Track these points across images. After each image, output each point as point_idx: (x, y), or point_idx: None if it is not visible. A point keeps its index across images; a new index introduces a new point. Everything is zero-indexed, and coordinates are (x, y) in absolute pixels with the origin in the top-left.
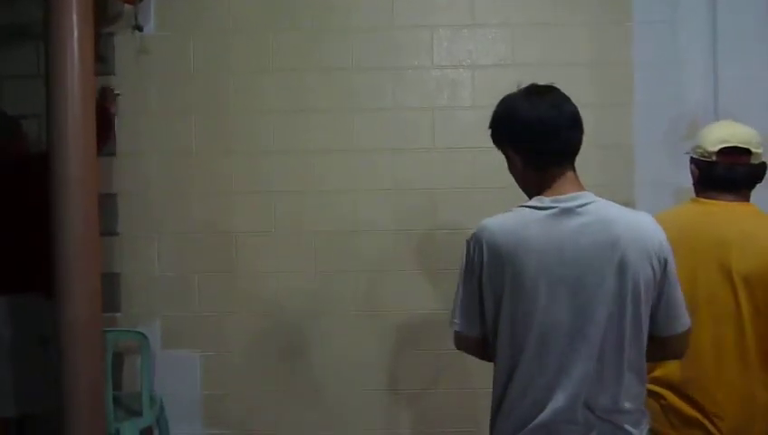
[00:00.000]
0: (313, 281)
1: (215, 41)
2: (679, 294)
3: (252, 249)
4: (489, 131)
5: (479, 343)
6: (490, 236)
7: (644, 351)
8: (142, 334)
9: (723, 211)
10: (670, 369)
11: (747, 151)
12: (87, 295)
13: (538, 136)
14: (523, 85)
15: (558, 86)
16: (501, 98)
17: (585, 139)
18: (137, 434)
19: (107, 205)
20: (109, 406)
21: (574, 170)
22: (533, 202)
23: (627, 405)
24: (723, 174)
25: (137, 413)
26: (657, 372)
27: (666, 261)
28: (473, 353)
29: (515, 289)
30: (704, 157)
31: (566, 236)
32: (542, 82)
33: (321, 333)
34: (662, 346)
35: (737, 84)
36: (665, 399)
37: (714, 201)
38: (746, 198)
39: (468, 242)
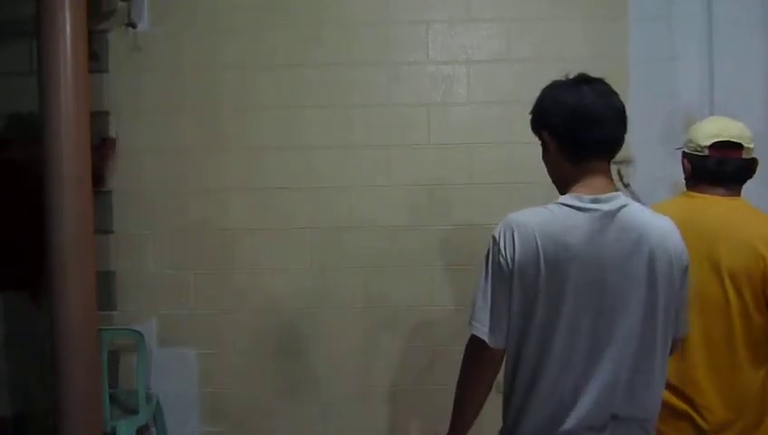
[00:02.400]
0: (309, 277)
1: (209, 37)
2: (687, 299)
3: (248, 246)
4: (530, 116)
5: (501, 357)
6: (526, 232)
7: (668, 356)
8: (138, 332)
9: (713, 205)
10: None
11: (739, 146)
12: (82, 294)
13: (581, 124)
14: (572, 74)
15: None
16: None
17: None
18: (133, 432)
19: (101, 202)
20: (105, 404)
21: (609, 168)
22: (572, 201)
23: (653, 410)
24: (714, 168)
25: (133, 411)
26: None
27: (686, 268)
28: (485, 369)
29: (552, 296)
30: (696, 151)
31: (606, 244)
32: (542, 78)
33: (317, 329)
34: None
35: (732, 80)
36: None
37: (704, 195)
38: (737, 193)
39: (496, 237)
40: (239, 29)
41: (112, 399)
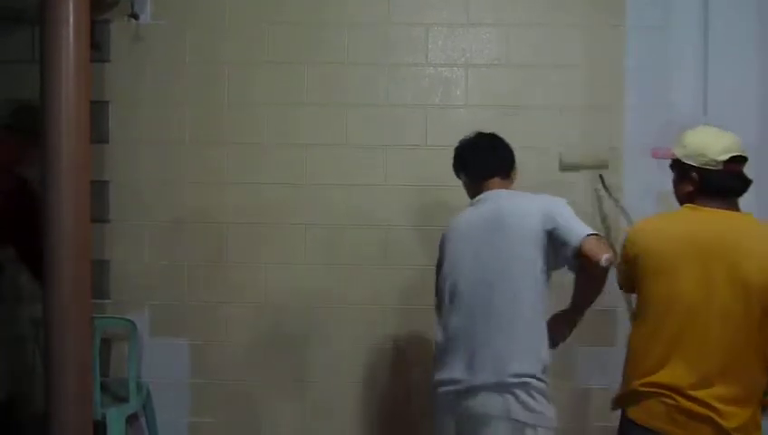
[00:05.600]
0: (304, 273)
1: (210, 31)
2: (566, 221)
3: (242, 240)
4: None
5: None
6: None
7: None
8: (131, 322)
9: (723, 219)
10: (678, 374)
11: (746, 159)
12: (76, 282)
13: (459, 164)
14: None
15: (549, 88)
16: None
17: (574, 141)
18: (123, 420)
19: (99, 192)
20: (96, 392)
21: (495, 179)
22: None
23: (518, 371)
24: (727, 182)
25: (123, 400)
26: (664, 379)
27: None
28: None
29: (444, 259)
30: (708, 165)
31: (474, 217)
32: (539, 83)
33: (310, 324)
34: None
35: (728, 91)
36: (672, 400)
37: (711, 209)
38: (736, 207)
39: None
40: (240, 24)
41: (103, 387)
